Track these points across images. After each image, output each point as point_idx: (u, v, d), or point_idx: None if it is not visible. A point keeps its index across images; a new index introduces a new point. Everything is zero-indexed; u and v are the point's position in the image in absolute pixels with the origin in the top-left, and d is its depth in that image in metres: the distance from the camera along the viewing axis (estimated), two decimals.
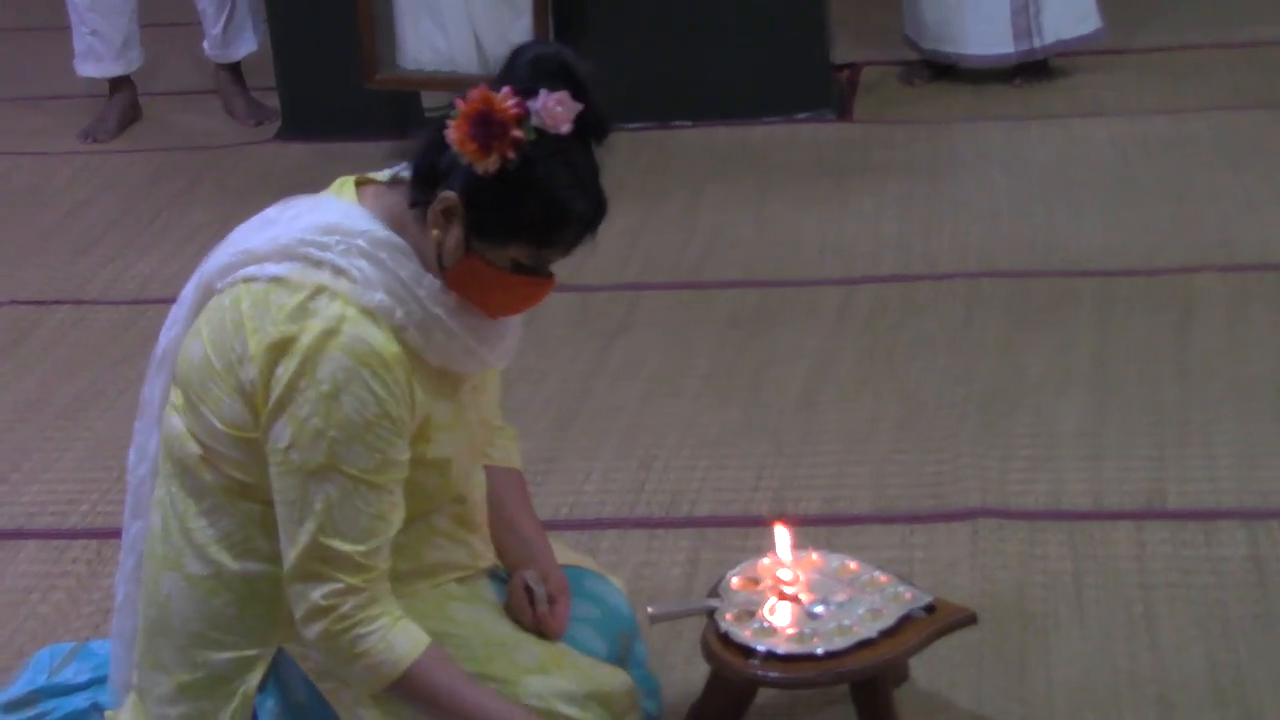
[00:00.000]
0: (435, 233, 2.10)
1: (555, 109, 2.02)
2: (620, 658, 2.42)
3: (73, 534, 3.25)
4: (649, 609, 2.49)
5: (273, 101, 5.43)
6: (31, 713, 2.62)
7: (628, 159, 4.85)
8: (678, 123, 5.11)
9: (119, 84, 5.43)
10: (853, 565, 2.52)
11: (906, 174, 4.72)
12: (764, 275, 4.18)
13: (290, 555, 2.11)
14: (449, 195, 2.07)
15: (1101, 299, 3.90)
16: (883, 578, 2.49)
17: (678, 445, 3.42)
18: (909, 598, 2.43)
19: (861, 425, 3.45)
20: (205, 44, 5.43)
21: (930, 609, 2.43)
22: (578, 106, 2.04)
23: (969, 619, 2.47)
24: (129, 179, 5.09)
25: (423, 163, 2.10)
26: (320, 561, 2.09)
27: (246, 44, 5.41)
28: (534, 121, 2.02)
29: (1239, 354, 3.61)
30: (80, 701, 2.62)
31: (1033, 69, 5.27)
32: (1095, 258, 4.12)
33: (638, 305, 4.05)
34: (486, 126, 2.01)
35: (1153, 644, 2.71)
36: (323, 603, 2.10)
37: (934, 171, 4.75)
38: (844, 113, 5.20)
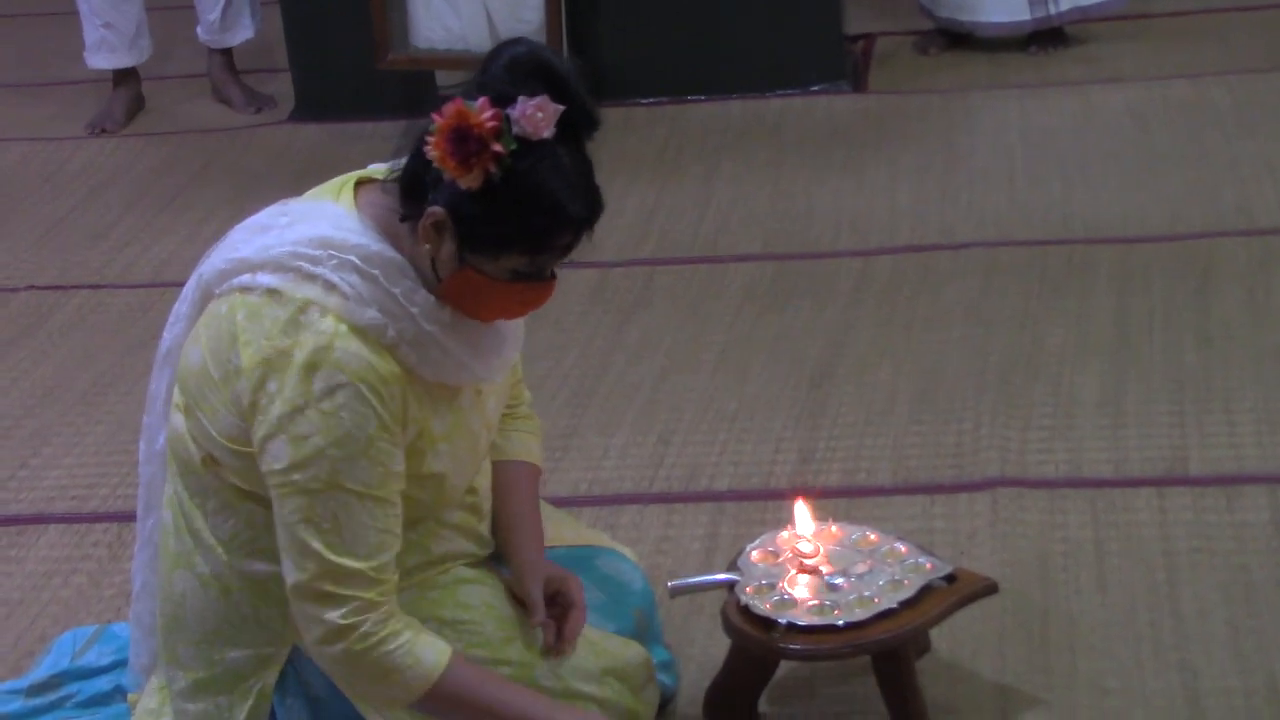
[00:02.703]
0: (427, 247, 2.05)
1: (535, 116, 1.96)
2: (637, 633, 2.41)
3: (93, 518, 3.26)
4: (669, 583, 2.49)
5: (269, 87, 5.42)
6: (55, 696, 2.63)
7: (642, 134, 4.84)
8: (692, 97, 5.10)
9: (125, 75, 5.39)
10: (873, 536, 2.51)
11: (922, 144, 4.70)
12: (780, 248, 4.16)
13: (297, 577, 2.07)
14: (436, 211, 2.01)
15: (1120, 266, 3.89)
16: (903, 548, 2.48)
17: (696, 419, 3.42)
18: (930, 568, 2.43)
19: (880, 397, 3.44)
20: (199, 29, 5.37)
21: (951, 579, 2.42)
22: (559, 109, 1.98)
23: (990, 589, 2.46)
24: (142, 164, 5.09)
25: (409, 176, 2.05)
26: (332, 581, 2.06)
27: (244, 30, 5.35)
28: (515, 131, 1.96)
29: (1259, 320, 3.59)
30: (103, 684, 2.63)
31: (1049, 36, 5.24)
32: (1114, 225, 4.10)
33: (654, 280, 4.04)
34: (464, 143, 1.95)
35: (1175, 611, 2.70)
36: (342, 622, 2.06)
37: (950, 141, 4.73)
38: (859, 84, 5.18)
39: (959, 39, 5.32)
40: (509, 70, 1.99)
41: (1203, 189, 4.25)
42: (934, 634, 2.59)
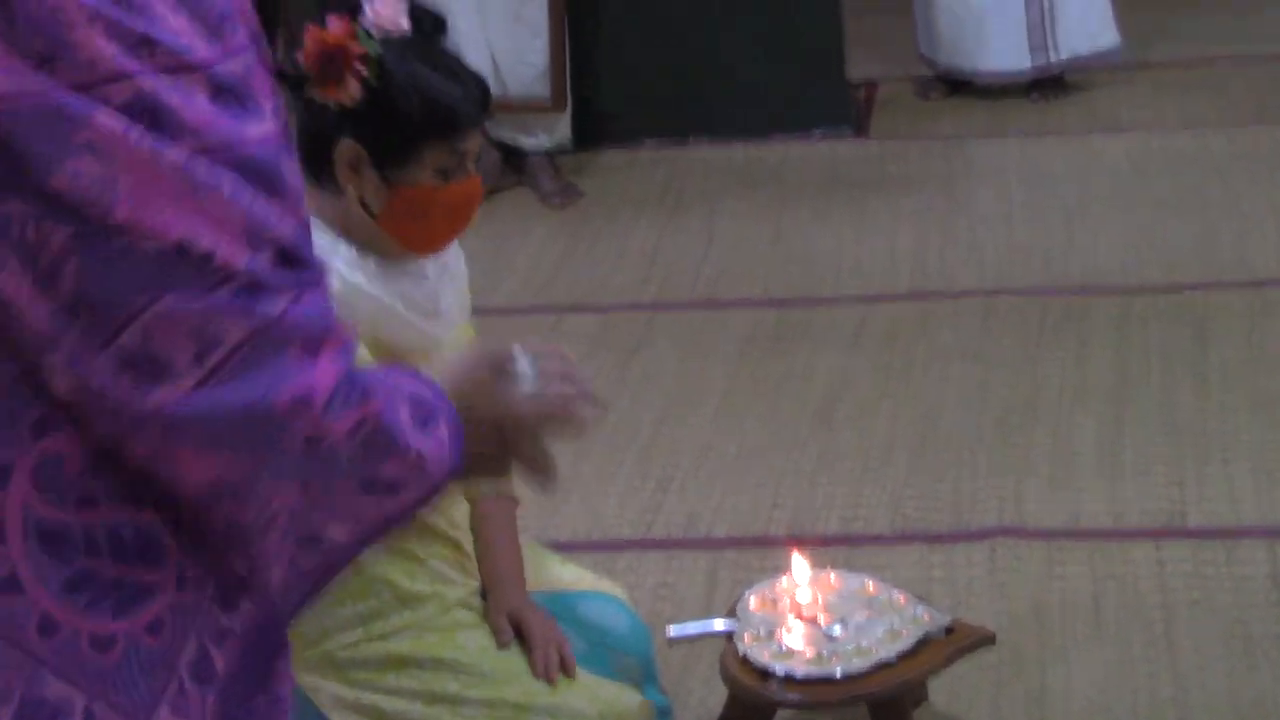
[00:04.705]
0: (350, 189, 2.09)
1: (383, 12, 2.04)
2: (633, 678, 2.41)
3: None
4: (668, 631, 2.49)
5: None
6: None
7: (644, 177, 4.86)
8: (694, 140, 5.12)
9: None
10: (871, 586, 2.51)
11: (923, 190, 4.72)
12: (781, 293, 4.18)
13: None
14: (343, 144, 2.07)
15: (1119, 314, 3.90)
16: (901, 598, 2.48)
17: (695, 464, 3.42)
18: (927, 619, 2.43)
19: (879, 444, 3.44)
20: None
21: (949, 630, 2.43)
22: (403, 3, 2.06)
23: (987, 639, 2.47)
24: None
25: (306, 140, 2.10)
26: None
27: None
28: (373, 33, 2.04)
29: (1258, 370, 3.60)
30: None
31: (1049, 84, 5.27)
32: (1113, 273, 4.11)
33: (655, 323, 4.05)
34: (331, 61, 2.02)
35: (1173, 664, 2.70)
36: None
37: (950, 187, 4.75)
38: (860, 129, 5.21)
39: (960, 85, 5.35)
40: None
41: (1201, 238, 4.26)
42: (931, 684, 2.59)
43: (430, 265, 2.20)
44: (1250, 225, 4.31)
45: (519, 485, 2.41)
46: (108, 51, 1.04)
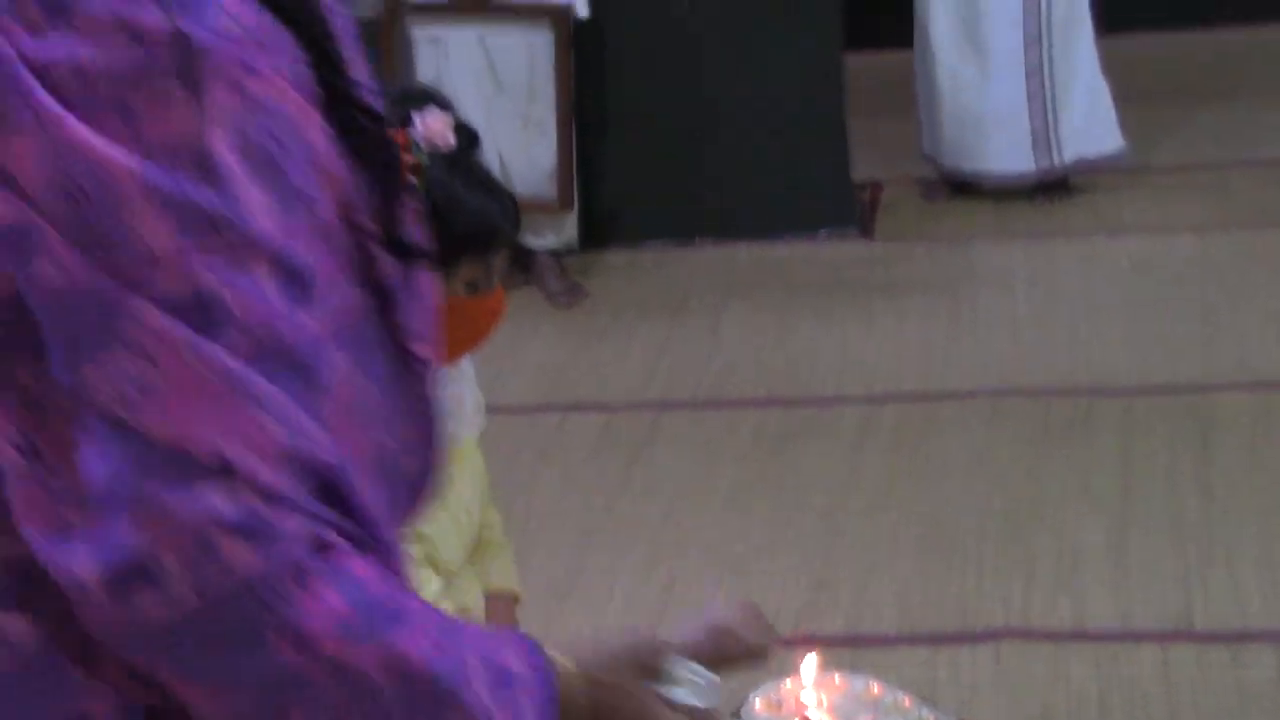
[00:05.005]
0: None
1: (433, 126, 2.04)
2: None
3: None
4: None
5: None
6: None
7: (650, 277, 4.88)
8: (699, 240, 5.15)
9: None
10: (876, 688, 2.49)
11: (928, 291, 4.74)
12: (786, 393, 4.19)
13: None
14: None
15: (1124, 417, 3.90)
16: (906, 701, 2.46)
17: (701, 563, 3.42)
18: None
19: (884, 544, 3.44)
20: None
21: None
22: (449, 115, 2.06)
23: None
24: None
25: None
26: None
27: None
28: (422, 145, 2.04)
29: (1263, 472, 3.60)
30: None
31: (1053, 186, 5.30)
32: (1117, 375, 4.12)
33: (661, 423, 4.06)
34: None
35: None
36: None
37: (955, 289, 4.76)
38: (865, 230, 5.23)
39: (964, 187, 5.38)
40: (396, 104, 2.07)
41: (1205, 341, 4.28)
42: None
43: (448, 368, 2.22)
44: (1253, 328, 4.32)
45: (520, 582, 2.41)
46: (164, 233, 0.98)
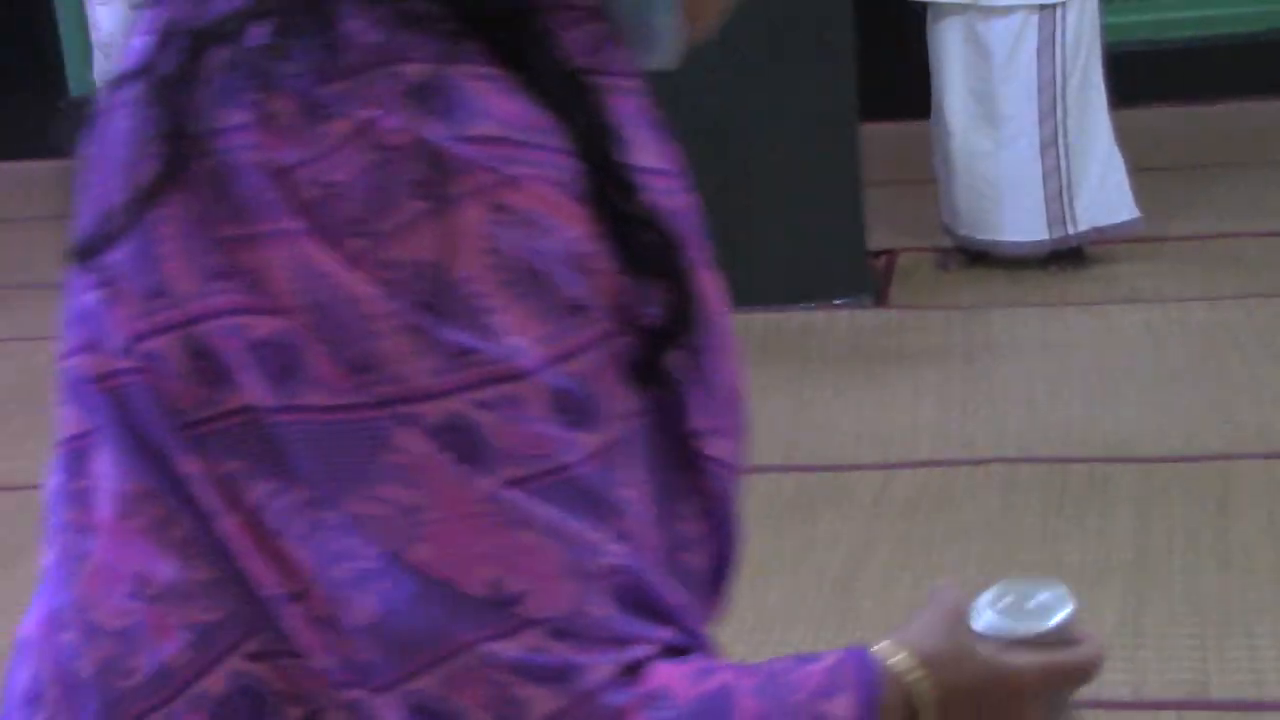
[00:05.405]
0: None
1: None
2: None
3: None
4: None
5: None
6: None
7: None
8: None
9: None
10: None
11: (943, 360, 4.74)
12: (801, 461, 4.19)
13: None
14: None
15: (1140, 485, 3.90)
16: None
17: (713, 633, 3.40)
18: None
19: (900, 612, 3.43)
20: None
21: None
22: None
23: None
24: None
25: None
26: None
27: None
28: None
29: None
30: None
31: (1068, 256, 5.31)
32: (1133, 444, 4.12)
33: None
34: None
35: None
36: None
37: (970, 357, 4.77)
38: (880, 299, 5.25)
39: (979, 256, 5.40)
40: None
41: (1221, 410, 4.27)
42: None
43: None
44: (1269, 396, 4.32)
45: None
46: (420, 366, 0.91)
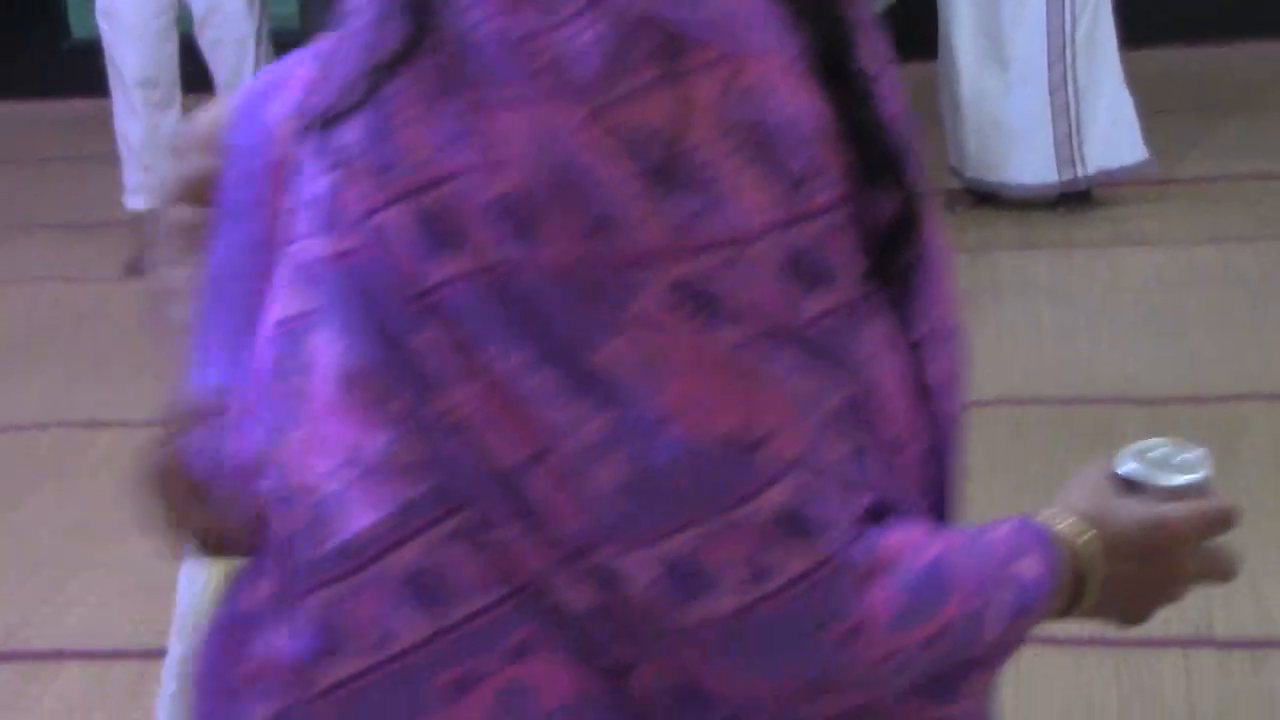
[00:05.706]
0: None
1: None
2: None
3: (114, 655, 3.26)
4: None
5: None
6: None
7: None
8: None
9: None
10: None
11: None
12: None
13: None
14: None
15: (1147, 427, 3.87)
16: None
17: None
18: None
19: None
20: None
21: None
22: None
23: None
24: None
25: None
26: None
27: None
28: None
29: None
30: None
31: (1076, 198, 5.29)
32: (1140, 386, 4.11)
33: None
34: None
35: None
36: None
37: (977, 299, 4.75)
38: None
39: (986, 197, 5.38)
40: None
41: (1229, 352, 4.26)
42: None
43: None
44: (1277, 340, 4.31)
45: None
46: (654, 226, 0.93)
